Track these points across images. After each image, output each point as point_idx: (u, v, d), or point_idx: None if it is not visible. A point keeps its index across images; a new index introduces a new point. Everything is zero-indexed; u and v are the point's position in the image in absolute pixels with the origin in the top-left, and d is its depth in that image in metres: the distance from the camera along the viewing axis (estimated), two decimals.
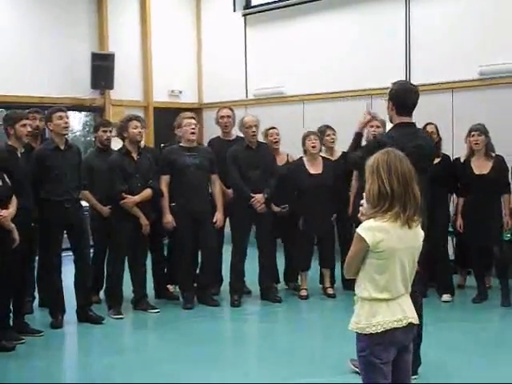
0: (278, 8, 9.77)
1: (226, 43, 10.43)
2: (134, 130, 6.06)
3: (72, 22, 9.39)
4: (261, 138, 6.81)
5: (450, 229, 6.66)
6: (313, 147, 6.49)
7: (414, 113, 4.28)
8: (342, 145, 5.91)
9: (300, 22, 9.44)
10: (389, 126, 4.64)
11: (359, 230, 2.82)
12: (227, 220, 6.61)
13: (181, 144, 6.38)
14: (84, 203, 6.18)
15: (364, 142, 4.89)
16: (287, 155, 6.97)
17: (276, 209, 6.65)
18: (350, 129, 5.18)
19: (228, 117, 6.74)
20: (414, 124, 4.28)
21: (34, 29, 9.00)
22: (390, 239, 2.79)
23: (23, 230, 5.11)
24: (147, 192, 6.06)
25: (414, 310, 2.96)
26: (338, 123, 7.06)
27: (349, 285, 5.28)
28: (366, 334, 2.83)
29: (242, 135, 6.62)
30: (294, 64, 9.41)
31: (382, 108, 4.79)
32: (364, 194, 2.93)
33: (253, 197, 6.26)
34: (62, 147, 5.63)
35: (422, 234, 2.96)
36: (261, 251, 6.51)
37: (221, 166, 6.40)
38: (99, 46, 9.63)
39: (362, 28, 8.81)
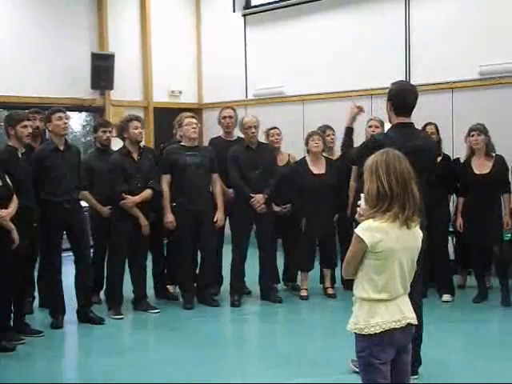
0: (278, 8, 9.77)
1: (226, 43, 10.42)
2: (135, 131, 6.06)
3: (72, 22, 9.39)
4: (262, 138, 6.81)
5: (451, 229, 6.66)
6: (316, 147, 6.49)
7: (414, 113, 4.27)
8: None
9: (300, 22, 9.44)
10: (387, 126, 4.64)
11: (358, 230, 2.82)
12: (227, 220, 6.61)
13: (182, 143, 6.38)
14: (84, 203, 6.18)
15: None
16: (288, 155, 6.97)
17: (277, 208, 6.65)
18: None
19: (230, 117, 6.74)
20: (412, 124, 4.27)
21: (34, 29, 9.00)
22: (388, 240, 2.79)
23: (26, 230, 5.12)
24: (147, 192, 6.06)
25: (413, 311, 2.96)
26: (338, 123, 7.01)
27: (349, 285, 5.29)
28: (364, 335, 2.83)
29: (242, 136, 6.61)
30: (294, 64, 9.41)
31: (382, 108, 4.78)
32: (361, 194, 2.93)
33: (252, 197, 6.26)
34: (62, 148, 5.63)
35: (420, 234, 2.96)
36: (261, 251, 6.51)
37: (221, 165, 6.40)
38: (99, 47, 9.63)
39: (361, 28, 8.81)
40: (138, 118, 6.22)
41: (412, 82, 8.03)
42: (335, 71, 8.88)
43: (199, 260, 6.55)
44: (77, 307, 5.83)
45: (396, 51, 8.37)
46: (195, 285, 6.46)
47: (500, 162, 6.23)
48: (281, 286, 6.96)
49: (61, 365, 5.14)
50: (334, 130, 6.91)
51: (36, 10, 9.07)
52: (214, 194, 6.40)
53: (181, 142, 6.53)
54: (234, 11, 10.22)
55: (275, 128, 6.89)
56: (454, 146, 7.16)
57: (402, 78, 8.00)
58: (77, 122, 11.10)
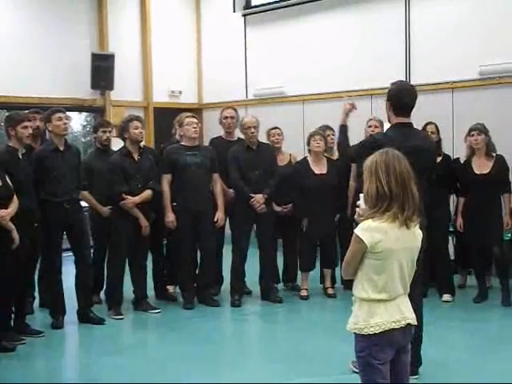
0: (278, 8, 9.77)
1: (226, 43, 10.42)
2: (135, 131, 6.06)
3: (72, 22, 9.39)
4: (264, 138, 6.80)
5: (451, 229, 6.65)
6: (317, 147, 6.49)
7: (415, 112, 4.28)
8: None
9: (300, 23, 9.44)
10: (387, 126, 4.64)
11: (357, 230, 2.82)
12: (228, 220, 6.61)
13: (182, 143, 6.39)
14: (84, 204, 6.18)
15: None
16: (290, 155, 6.96)
17: (278, 208, 6.65)
18: (351, 129, 5.20)
19: (232, 117, 6.74)
20: (411, 124, 4.27)
21: (34, 30, 9.00)
22: (388, 240, 2.78)
23: (27, 230, 5.13)
24: (147, 193, 6.06)
25: (412, 311, 2.96)
26: (338, 123, 7.04)
27: (349, 285, 5.28)
28: (364, 335, 2.83)
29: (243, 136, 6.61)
30: (294, 64, 9.41)
31: (382, 108, 4.78)
32: (360, 194, 2.93)
33: (252, 197, 6.26)
34: (62, 148, 5.64)
35: (420, 234, 2.95)
36: (261, 251, 6.51)
37: (222, 166, 6.40)
38: (99, 47, 9.63)
39: (362, 28, 8.82)
40: (138, 118, 6.22)
41: (412, 82, 8.07)
42: (335, 71, 8.88)
43: (199, 260, 6.55)
44: (77, 307, 5.83)
45: (396, 51, 8.37)
46: (195, 285, 6.46)
47: (500, 161, 6.23)
48: (281, 285, 6.96)
49: (61, 365, 5.14)
50: (334, 130, 6.89)
51: (36, 11, 9.06)
52: (214, 194, 6.40)
53: (179, 141, 6.54)
54: (234, 11, 10.22)
55: (276, 128, 6.89)
56: (454, 146, 7.16)
57: (402, 78, 8.00)
58: (77, 122, 11.11)
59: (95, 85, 9.41)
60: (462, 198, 6.40)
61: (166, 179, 6.23)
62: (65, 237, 5.78)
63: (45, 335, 5.45)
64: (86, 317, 5.80)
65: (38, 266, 5.92)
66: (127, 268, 6.21)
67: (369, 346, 2.82)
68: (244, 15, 10.22)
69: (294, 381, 4.41)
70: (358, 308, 2.90)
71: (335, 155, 6.81)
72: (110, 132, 6.60)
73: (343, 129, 4.59)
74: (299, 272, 6.83)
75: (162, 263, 6.67)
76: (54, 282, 5.70)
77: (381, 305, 2.84)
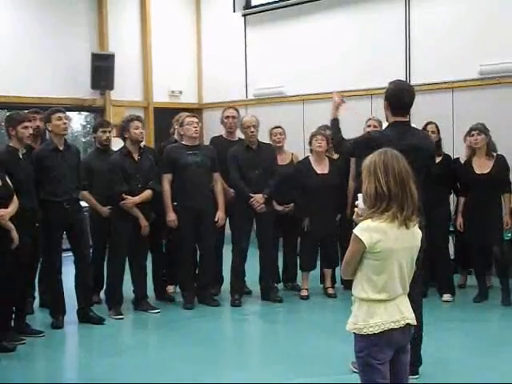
0: (278, 8, 9.76)
1: (226, 43, 10.42)
2: (136, 131, 6.06)
3: (72, 22, 9.39)
4: (266, 137, 6.79)
5: (451, 228, 6.65)
6: (319, 147, 6.48)
7: (415, 113, 4.29)
8: None
9: (300, 22, 9.44)
10: (385, 125, 4.65)
11: (356, 230, 2.82)
12: (228, 219, 6.61)
13: (183, 142, 6.39)
14: (83, 203, 6.18)
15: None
16: (292, 154, 6.96)
17: (279, 208, 6.65)
18: (350, 129, 5.20)
19: (233, 117, 6.74)
20: (408, 123, 4.28)
21: (34, 30, 9.00)
22: (387, 240, 2.78)
23: (28, 230, 5.14)
24: (147, 193, 6.06)
25: (412, 311, 2.96)
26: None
27: (349, 285, 5.29)
28: (363, 335, 2.83)
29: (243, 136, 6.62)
30: (294, 64, 9.41)
31: (382, 108, 4.77)
32: (359, 194, 2.93)
33: (252, 197, 6.26)
34: (61, 148, 5.64)
35: (420, 233, 2.95)
36: (261, 251, 6.51)
37: (222, 165, 6.40)
38: (99, 47, 9.63)
39: (361, 28, 8.82)
40: (138, 118, 6.22)
41: (412, 82, 8.10)
42: (335, 71, 8.88)
43: (198, 259, 6.55)
44: (77, 307, 5.83)
45: (396, 51, 8.37)
46: (195, 285, 6.46)
47: (501, 161, 6.23)
48: (281, 285, 6.96)
49: (61, 365, 5.14)
50: None
51: (36, 11, 9.07)
52: (214, 194, 6.40)
53: (177, 141, 6.55)
54: (234, 11, 10.22)
55: (278, 127, 6.89)
56: (454, 146, 7.16)
57: (402, 77, 7.99)
58: (77, 122, 11.11)
59: (95, 85, 9.41)
60: (463, 198, 6.39)
61: (167, 179, 6.24)
62: (64, 237, 5.78)
63: (45, 335, 5.45)
64: (85, 316, 5.80)
65: (38, 266, 5.93)
66: (127, 268, 6.21)
67: (368, 346, 2.82)
68: (244, 15, 10.22)
69: (294, 381, 4.41)
70: (357, 308, 2.89)
71: (335, 155, 6.80)
72: (109, 132, 6.61)
73: (335, 122, 4.57)
74: (299, 272, 6.84)
75: (161, 263, 6.65)
76: (54, 281, 5.70)
77: (380, 305, 2.84)
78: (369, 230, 2.79)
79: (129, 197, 5.97)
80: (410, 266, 2.92)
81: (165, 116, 8.75)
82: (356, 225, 2.88)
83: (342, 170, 6.62)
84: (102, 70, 9.34)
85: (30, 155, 5.49)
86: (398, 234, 2.80)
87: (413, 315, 2.94)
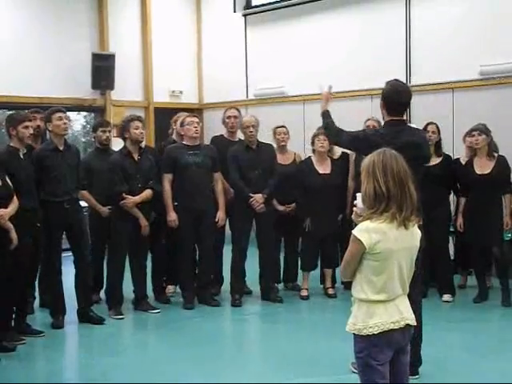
0: (279, 8, 9.77)
1: (227, 43, 10.43)
2: (136, 131, 6.06)
3: (72, 22, 9.40)
4: (266, 137, 6.78)
5: (451, 229, 6.65)
6: (321, 147, 6.48)
7: (415, 112, 4.31)
8: None
9: (300, 22, 9.44)
10: None
11: (355, 231, 2.81)
12: (228, 219, 6.61)
13: (183, 142, 6.39)
14: (83, 203, 6.17)
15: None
16: (294, 154, 6.97)
17: (280, 208, 6.65)
18: (350, 129, 5.20)
19: (235, 117, 6.74)
20: (404, 121, 4.30)
21: (34, 30, 9.00)
22: (386, 240, 2.78)
23: (30, 230, 5.14)
24: (147, 193, 6.06)
25: (412, 311, 2.96)
26: (338, 123, 7.04)
27: (349, 285, 5.29)
28: (363, 336, 2.83)
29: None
30: (295, 64, 9.41)
31: None
32: (357, 194, 2.93)
33: (252, 196, 6.26)
34: (61, 148, 5.64)
35: (419, 233, 2.95)
36: (261, 251, 6.51)
37: (223, 165, 6.41)
38: (100, 47, 9.64)
39: (362, 28, 8.82)
40: (139, 118, 6.22)
41: (412, 82, 8.12)
42: (336, 71, 8.86)
43: (197, 259, 6.55)
44: (77, 307, 5.83)
45: (396, 51, 8.37)
46: (195, 285, 6.46)
47: (502, 162, 6.22)
48: (281, 285, 6.96)
49: (61, 365, 5.14)
50: None
51: (37, 11, 9.07)
52: (215, 193, 6.40)
53: (176, 141, 6.55)
54: (234, 11, 10.22)
55: (282, 127, 6.89)
56: (454, 146, 7.16)
57: (402, 78, 7.99)
58: (77, 122, 11.11)
59: (96, 85, 9.41)
60: (463, 198, 6.39)
61: (167, 179, 6.24)
62: (64, 237, 5.78)
63: (45, 335, 5.45)
64: (86, 316, 5.80)
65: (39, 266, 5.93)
66: (127, 268, 6.21)
67: (368, 346, 2.82)
68: (244, 15, 10.23)
69: (294, 381, 4.42)
70: (357, 309, 2.89)
71: (336, 154, 6.81)
72: (109, 132, 6.61)
73: (328, 113, 4.59)
74: (299, 272, 6.84)
75: (161, 263, 6.64)
76: (54, 282, 5.70)
77: (380, 305, 2.83)
78: (368, 230, 2.78)
79: (129, 196, 5.97)
80: (410, 267, 2.92)
81: (165, 116, 8.75)
82: (356, 225, 2.88)
83: (343, 169, 6.62)
84: (103, 69, 9.34)
85: (30, 155, 5.49)
86: (397, 234, 2.80)
87: (412, 316, 2.94)
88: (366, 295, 2.84)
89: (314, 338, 5.39)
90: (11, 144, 5.30)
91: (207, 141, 7.49)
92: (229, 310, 6.34)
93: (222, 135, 6.94)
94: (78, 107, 9.65)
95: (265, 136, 6.77)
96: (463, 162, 6.46)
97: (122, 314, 6.04)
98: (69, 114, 6.14)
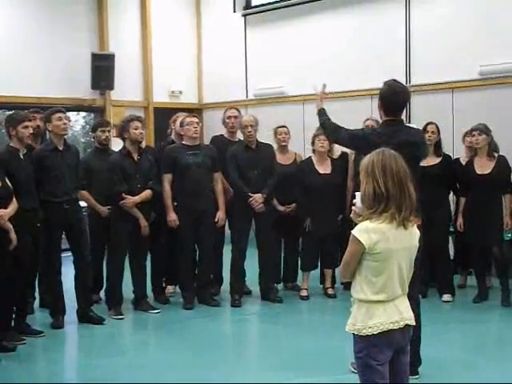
0: (278, 8, 9.78)
1: (226, 43, 10.43)
2: (135, 131, 6.06)
3: (72, 22, 9.39)
4: (265, 137, 6.78)
5: (451, 228, 6.65)
6: (322, 147, 6.48)
7: (415, 112, 4.31)
8: None
9: (300, 23, 9.44)
10: None
11: (355, 232, 2.81)
12: (227, 219, 6.61)
13: (183, 142, 6.39)
14: (82, 203, 6.17)
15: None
16: (295, 154, 6.97)
17: (280, 208, 6.65)
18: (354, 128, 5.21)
19: (235, 117, 6.74)
20: (401, 121, 4.32)
21: (34, 29, 9.00)
22: (386, 241, 2.78)
23: (30, 231, 5.14)
24: (147, 193, 6.06)
25: (411, 311, 2.96)
26: (338, 123, 7.05)
27: (349, 285, 5.29)
28: (362, 336, 2.83)
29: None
30: (295, 64, 9.41)
31: None
32: (356, 193, 2.92)
33: (251, 196, 6.26)
34: (61, 148, 5.63)
35: (417, 233, 2.95)
36: (260, 251, 6.50)
37: (222, 164, 6.41)
38: (99, 47, 9.63)
39: (362, 28, 8.82)
40: (138, 119, 6.21)
41: (412, 82, 8.13)
42: (335, 71, 8.87)
43: (197, 258, 6.55)
44: (77, 308, 5.83)
45: (396, 51, 8.37)
46: (195, 285, 6.46)
47: (502, 162, 6.22)
48: (281, 285, 6.96)
49: (61, 365, 5.13)
50: None
51: (36, 11, 9.06)
52: (215, 193, 6.40)
53: (174, 141, 6.55)
54: (234, 11, 10.22)
55: (283, 127, 6.88)
56: (454, 146, 7.16)
57: (402, 78, 8.02)
58: (77, 122, 11.11)
59: (95, 85, 9.41)
60: (463, 198, 6.38)
61: (167, 179, 6.24)
62: (64, 237, 5.78)
63: (45, 335, 5.45)
64: (85, 316, 5.80)
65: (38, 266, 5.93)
66: (127, 268, 6.21)
67: (367, 346, 2.82)
68: (244, 15, 10.23)
69: (294, 381, 4.41)
70: (356, 309, 2.89)
71: (335, 154, 6.81)
72: (109, 131, 6.60)
73: (323, 111, 4.61)
74: (299, 272, 6.83)
75: (161, 264, 6.63)
76: (53, 282, 5.70)
77: (379, 306, 2.83)
78: (367, 231, 2.78)
79: (128, 196, 5.97)
80: (409, 267, 2.91)
81: (165, 116, 8.74)
82: (356, 225, 2.88)
83: (343, 169, 6.62)
84: (102, 69, 9.34)
85: (30, 155, 5.49)
86: (396, 234, 2.80)
87: (412, 316, 2.93)
88: (365, 296, 2.84)
89: (313, 338, 5.39)
90: (11, 144, 5.30)
91: (207, 141, 7.50)
92: (228, 310, 6.34)
93: (221, 135, 6.94)
94: (77, 107, 9.65)
95: (264, 136, 6.77)
96: (463, 162, 6.46)
97: (121, 314, 6.04)
98: (68, 114, 6.14)
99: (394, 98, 4.24)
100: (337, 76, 8.82)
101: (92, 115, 10.29)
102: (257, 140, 6.49)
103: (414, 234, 2.91)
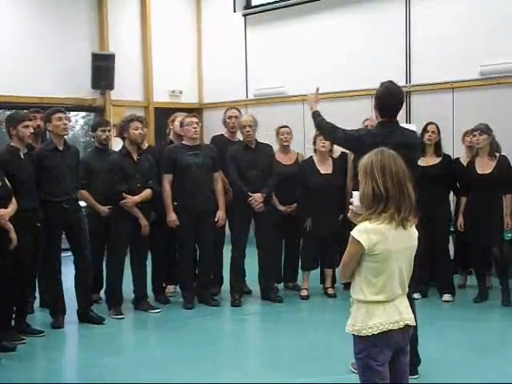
0: (279, 8, 9.78)
1: (227, 43, 10.43)
2: (135, 131, 6.05)
3: (72, 22, 9.40)
4: (265, 137, 6.78)
5: (451, 228, 6.65)
6: (323, 147, 6.48)
7: (415, 112, 4.31)
8: None
9: (300, 22, 9.45)
10: None
11: (354, 232, 2.79)
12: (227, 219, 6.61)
13: (183, 142, 6.39)
14: (82, 203, 6.17)
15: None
16: (297, 154, 6.97)
17: (281, 208, 6.65)
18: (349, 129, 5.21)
19: (236, 117, 6.74)
20: (395, 122, 4.32)
21: (34, 30, 9.00)
22: (385, 241, 2.77)
23: (31, 231, 5.15)
24: (147, 192, 6.06)
25: (411, 311, 2.95)
26: (338, 123, 7.01)
27: (349, 285, 5.29)
28: (362, 336, 2.82)
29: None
30: (295, 64, 9.41)
31: None
32: (353, 192, 2.92)
33: (251, 195, 6.26)
34: (61, 148, 5.63)
35: (416, 233, 2.94)
36: (260, 251, 6.50)
37: (222, 163, 6.41)
38: (99, 47, 9.64)
39: (362, 28, 8.82)
40: (139, 119, 6.20)
41: (412, 82, 8.14)
42: (335, 71, 8.88)
43: (198, 258, 6.55)
44: (77, 307, 5.83)
45: (396, 51, 8.37)
46: (195, 284, 6.46)
47: (503, 162, 6.21)
48: (281, 285, 6.96)
49: (61, 364, 5.15)
50: None
51: (36, 11, 9.07)
52: (215, 193, 6.40)
53: (173, 141, 6.55)
54: (234, 11, 10.22)
55: (286, 127, 6.89)
56: (454, 146, 7.16)
57: (402, 77, 8.04)
58: (77, 122, 11.11)
59: (96, 85, 9.42)
60: (464, 198, 6.38)
61: (167, 179, 6.24)
62: (65, 237, 5.78)
63: (45, 335, 5.45)
64: (86, 316, 5.80)
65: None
66: (127, 268, 6.21)
67: (367, 347, 2.81)
68: (244, 15, 10.23)
69: (294, 381, 4.41)
70: (356, 310, 2.88)
71: (335, 154, 6.81)
72: (109, 131, 6.60)
73: (317, 113, 4.62)
74: (299, 272, 6.83)
75: (161, 263, 6.63)
76: (53, 281, 5.70)
77: (379, 306, 2.83)
78: (367, 231, 2.77)
79: (129, 196, 5.97)
80: (409, 267, 2.91)
81: (165, 116, 8.73)
82: (355, 225, 2.87)
83: (343, 169, 6.62)
84: (103, 69, 9.35)
85: (30, 155, 5.49)
86: (395, 235, 2.79)
87: (412, 316, 2.93)
88: (364, 296, 2.83)
89: (313, 337, 5.39)
90: (12, 144, 5.30)
91: (207, 141, 7.50)
92: (229, 310, 6.34)
93: (222, 135, 6.94)
94: (77, 107, 9.65)
95: (263, 136, 6.77)
96: (463, 162, 6.46)
97: (122, 314, 6.04)
98: (69, 114, 6.13)
99: (389, 99, 4.26)
100: (337, 76, 8.84)
101: (92, 115, 10.29)
102: (256, 140, 6.49)
103: (412, 233, 2.90)
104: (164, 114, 9.44)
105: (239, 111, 6.89)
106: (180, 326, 5.79)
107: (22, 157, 5.32)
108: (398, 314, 2.85)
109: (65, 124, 5.62)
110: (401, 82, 7.44)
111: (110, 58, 9.40)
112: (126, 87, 9.78)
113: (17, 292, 5.19)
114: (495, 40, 7.51)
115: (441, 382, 4.33)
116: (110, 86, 9.52)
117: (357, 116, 6.80)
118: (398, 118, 4.39)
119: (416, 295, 6.21)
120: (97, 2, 9.66)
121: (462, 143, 6.67)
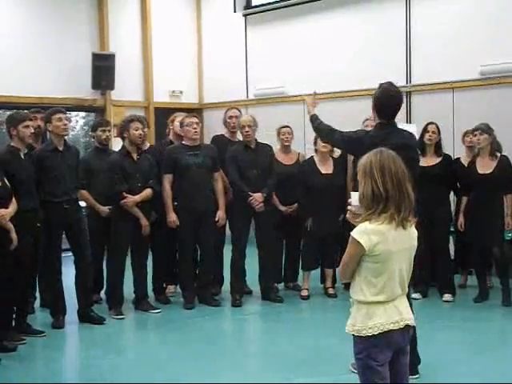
0: (279, 8, 9.79)
1: (227, 43, 10.44)
2: (135, 132, 6.05)
3: (72, 22, 9.40)
4: (266, 137, 6.78)
5: (452, 228, 6.65)
6: (324, 147, 6.48)
7: (415, 112, 4.32)
8: None
9: (301, 23, 9.45)
10: None
11: (354, 233, 2.79)
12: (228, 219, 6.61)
13: (183, 142, 6.39)
14: (82, 203, 6.17)
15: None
16: (298, 154, 6.97)
17: (282, 208, 6.65)
18: (351, 129, 5.21)
19: (236, 117, 6.74)
20: (393, 124, 4.32)
21: (35, 30, 9.01)
22: (385, 242, 2.77)
23: (31, 231, 5.15)
24: (147, 192, 6.07)
25: (411, 312, 2.96)
26: (338, 123, 6.97)
27: (349, 285, 5.29)
28: (362, 337, 2.82)
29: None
30: (295, 64, 9.42)
31: None
32: (352, 193, 2.92)
33: (251, 195, 6.26)
34: (61, 148, 5.63)
35: (415, 233, 2.94)
36: (260, 251, 6.50)
37: (223, 163, 6.41)
38: (100, 47, 9.64)
39: (362, 28, 8.83)
40: (139, 119, 6.20)
41: (412, 82, 8.14)
42: (336, 71, 8.89)
43: (198, 259, 6.55)
44: (78, 308, 5.83)
45: (396, 51, 8.38)
46: (195, 284, 6.46)
47: (504, 162, 6.21)
48: (281, 285, 6.96)
49: (61, 365, 5.15)
50: None
51: (37, 11, 9.08)
52: (215, 193, 6.40)
53: (172, 141, 6.54)
54: (234, 11, 10.23)
55: (287, 127, 6.89)
56: (454, 146, 7.17)
57: (402, 77, 8.04)
58: (77, 122, 11.12)
59: (96, 85, 9.42)
60: (465, 198, 6.38)
61: (168, 179, 6.24)
62: (65, 237, 5.78)
63: (46, 335, 5.46)
64: (86, 316, 5.80)
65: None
66: (128, 268, 6.21)
67: (367, 347, 2.81)
68: (245, 15, 10.24)
69: (294, 381, 4.42)
70: (356, 310, 2.88)
71: (336, 154, 6.81)
72: (109, 131, 6.60)
73: (315, 116, 4.64)
74: (300, 272, 6.84)
75: (161, 263, 6.63)
76: (54, 282, 5.70)
77: (379, 306, 2.82)
78: (367, 232, 2.76)
79: (129, 196, 5.97)
80: (409, 267, 2.91)
81: (165, 116, 8.75)
82: (354, 225, 2.87)
83: (343, 168, 6.62)
84: (103, 69, 9.35)
85: (31, 155, 5.49)
86: (395, 235, 2.79)
87: (412, 316, 2.93)
88: (364, 297, 2.83)
89: (314, 338, 5.40)
90: (12, 144, 5.30)
91: (207, 141, 7.50)
92: (229, 310, 6.35)
93: (222, 135, 6.94)
94: (78, 107, 9.66)
95: (264, 136, 6.77)
96: (463, 162, 6.47)
97: (122, 314, 6.04)
98: (69, 114, 6.13)
99: (388, 101, 4.26)
100: (336, 76, 8.85)
101: (92, 115, 10.29)
102: (256, 140, 6.49)
103: (412, 233, 2.90)
104: (164, 114, 9.44)
105: (240, 111, 6.90)
106: (180, 326, 5.79)
107: (23, 157, 5.32)
108: (398, 314, 2.85)
109: (65, 124, 5.62)
110: (401, 82, 7.46)
111: (110, 57, 9.41)
112: (127, 87, 9.79)
113: (17, 292, 5.19)
114: (495, 40, 7.52)
115: (441, 382, 4.33)
116: (111, 86, 9.53)
117: (357, 116, 6.79)
118: (398, 118, 4.39)
119: (416, 295, 6.23)
120: (97, 2, 9.66)
121: (462, 143, 6.67)
